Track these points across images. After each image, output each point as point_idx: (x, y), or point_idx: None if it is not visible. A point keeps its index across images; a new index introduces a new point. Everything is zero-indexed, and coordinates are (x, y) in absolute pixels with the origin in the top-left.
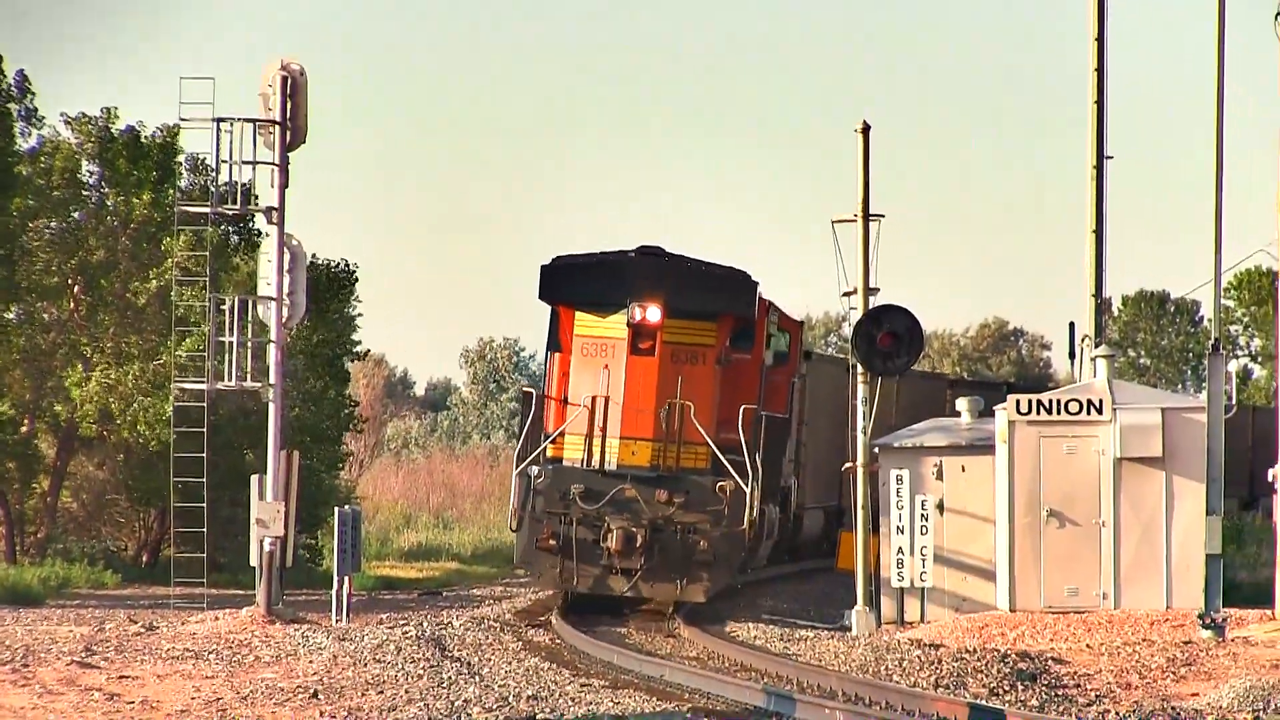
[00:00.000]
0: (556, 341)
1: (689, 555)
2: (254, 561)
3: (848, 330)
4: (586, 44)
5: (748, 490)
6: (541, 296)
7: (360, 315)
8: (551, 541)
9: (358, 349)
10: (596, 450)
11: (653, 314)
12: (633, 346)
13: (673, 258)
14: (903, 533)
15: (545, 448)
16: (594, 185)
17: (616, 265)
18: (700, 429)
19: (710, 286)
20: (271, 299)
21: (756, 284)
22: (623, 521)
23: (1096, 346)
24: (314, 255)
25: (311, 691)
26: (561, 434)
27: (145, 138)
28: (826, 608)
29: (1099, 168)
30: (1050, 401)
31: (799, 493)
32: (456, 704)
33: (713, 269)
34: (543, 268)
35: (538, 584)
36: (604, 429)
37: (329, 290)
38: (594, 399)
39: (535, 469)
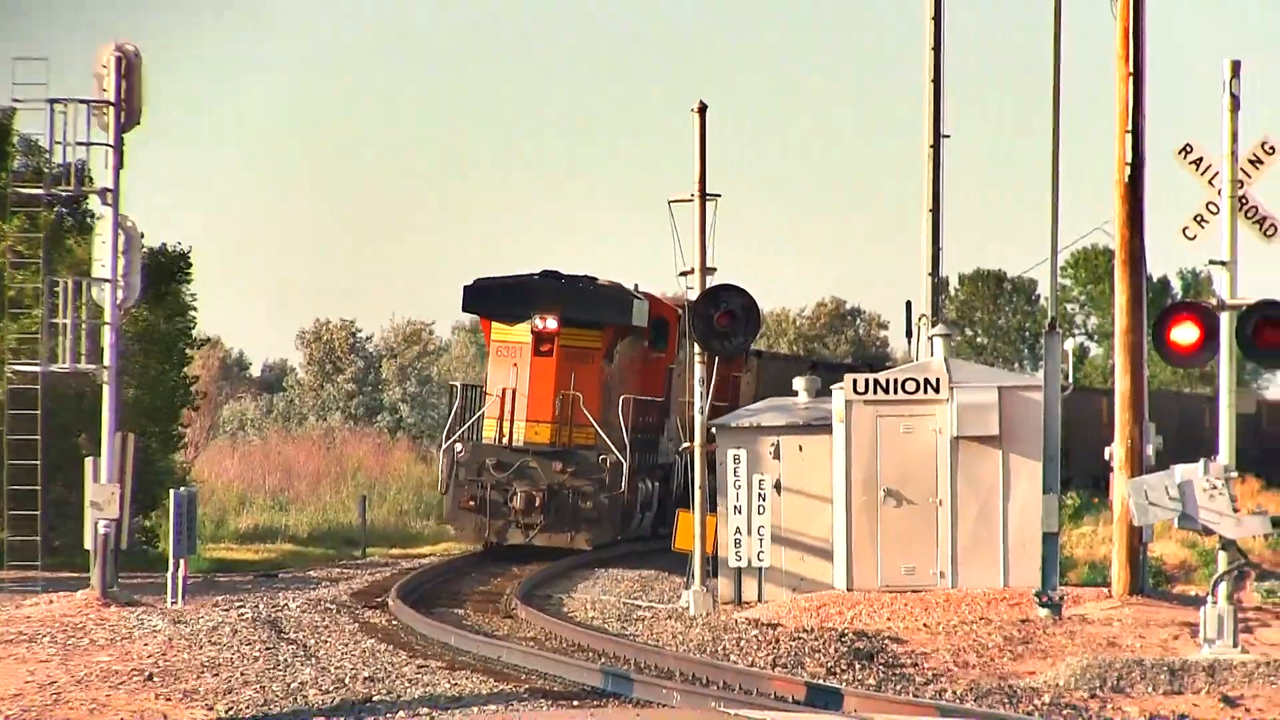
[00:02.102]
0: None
1: (577, 514)
2: (89, 544)
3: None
4: (424, 27)
5: (625, 462)
6: (465, 309)
7: (194, 296)
8: (470, 503)
9: (194, 335)
10: (507, 431)
11: (551, 324)
12: (535, 349)
13: (569, 279)
14: (740, 513)
15: (468, 428)
16: (432, 165)
17: (523, 285)
18: (588, 414)
19: (597, 301)
20: (106, 281)
21: (634, 298)
22: (525, 486)
23: (933, 325)
24: (146, 240)
25: (147, 674)
26: (481, 417)
27: None
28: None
29: (936, 147)
30: (887, 381)
31: (681, 470)
32: (293, 686)
33: (600, 288)
34: (466, 288)
35: (460, 537)
36: (512, 414)
37: (164, 272)
38: (505, 390)
39: (459, 445)
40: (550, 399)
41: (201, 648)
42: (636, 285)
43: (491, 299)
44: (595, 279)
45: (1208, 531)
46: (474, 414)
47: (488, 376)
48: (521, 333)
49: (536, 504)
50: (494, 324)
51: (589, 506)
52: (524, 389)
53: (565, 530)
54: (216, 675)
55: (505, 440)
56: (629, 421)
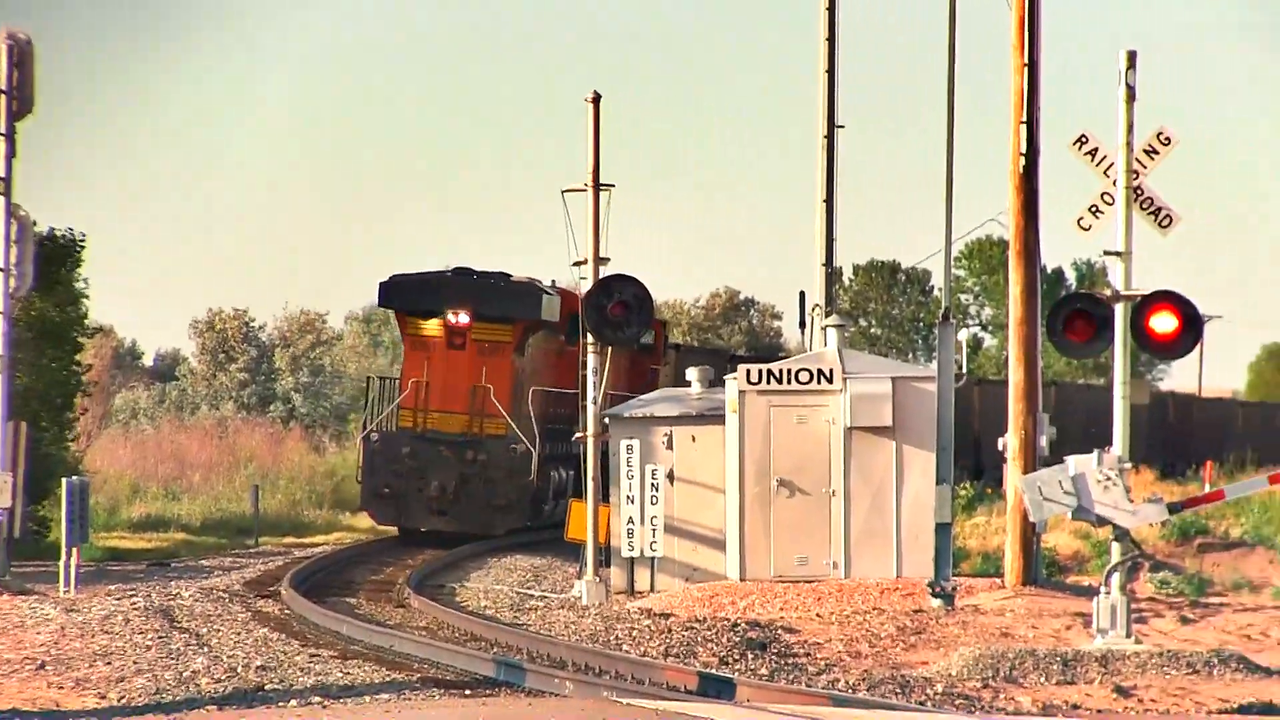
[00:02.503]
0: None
1: (488, 501)
2: None
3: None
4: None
5: (535, 451)
6: (381, 304)
7: (87, 282)
8: (386, 490)
9: (86, 324)
10: (421, 421)
11: (463, 318)
12: (448, 343)
13: (480, 275)
14: (633, 503)
15: (385, 418)
16: (325, 156)
17: (437, 281)
18: (499, 405)
19: (507, 297)
20: None
21: (545, 293)
22: (438, 474)
23: (827, 316)
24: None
25: (39, 663)
26: (396, 408)
27: None
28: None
29: (830, 137)
30: (780, 371)
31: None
32: (185, 675)
33: (511, 284)
34: (381, 283)
35: (377, 522)
36: (426, 404)
37: (54, 260)
38: (419, 382)
39: (375, 435)
40: (463, 390)
41: (94, 636)
42: (554, 282)
43: (406, 294)
44: (508, 275)
45: (1102, 523)
46: (390, 405)
47: (403, 369)
48: (435, 327)
49: (449, 491)
50: (409, 318)
51: (500, 494)
52: (437, 381)
53: (477, 517)
54: (109, 664)
55: (419, 430)
56: (539, 412)
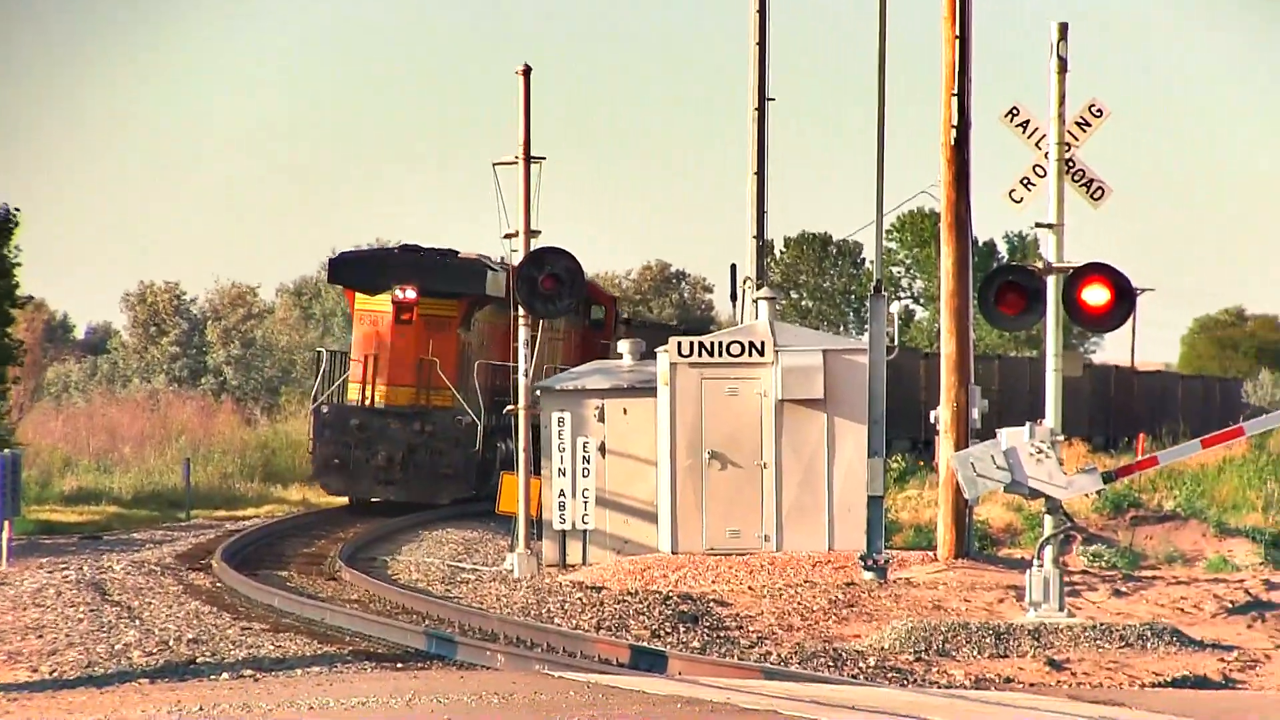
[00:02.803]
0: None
1: (435, 471)
2: None
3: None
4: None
5: (480, 423)
6: (330, 280)
7: (19, 252)
8: (336, 461)
9: (18, 298)
10: (369, 394)
11: (410, 294)
12: (396, 318)
13: (426, 252)
14: (564, 475)
15: (334, 390)
16: (256, 129)
17: (384, 258)
18: (445, 378)
19: (454, 273)
20: None
21: (489, 269)
22: (386, 446)
23: (758, 289)
24: None
25: None
26: (346, 380)
27: None
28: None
29: (760, 110)
30: (712, 344)
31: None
32: (117, 648)
33: (457, 260)
34: (331, 260)
35: (328, 492)
36: (374, 378)
37: None
38: (367, 356)
39: (325, 407)
40: (410, 364)
41: (26, 610)
42: (502, 259)
43: (355, 271)
44: (455, 252)
45: (1034, 495)
46: (339, 378)
47: (352, 343)
48: (383, 302)
49: (397, 462)
50: (357, 294)
51: (447, 464)
52: (385, 355)
53: (424, 487)
54: (41, 637)
55: (368, 402)
56: (486, 385)
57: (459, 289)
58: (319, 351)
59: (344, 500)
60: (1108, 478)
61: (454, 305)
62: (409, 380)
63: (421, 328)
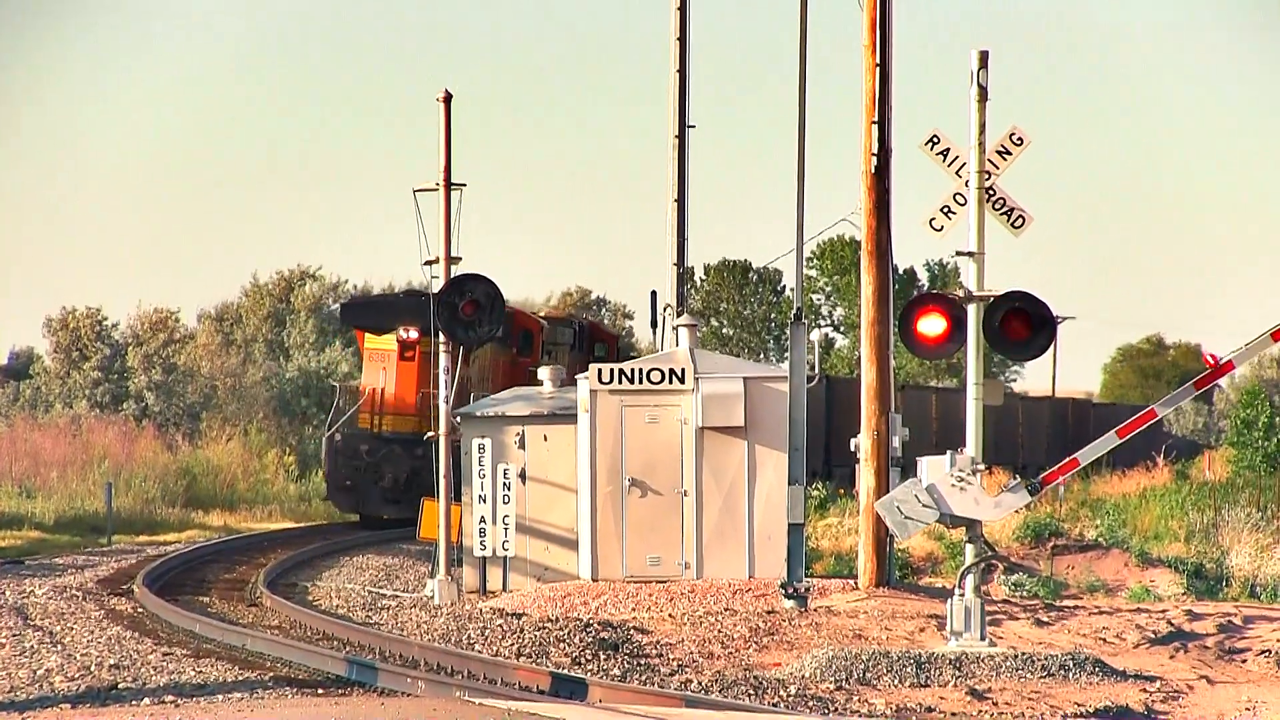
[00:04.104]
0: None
1: (435, 491)
2: None
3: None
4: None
5: None
6: (342, 323)
7: None
8: (347, 483)
9: None
10: (377, 422)
11: (413, 334)
12: (400, 355)
13: (428, 296)
14: (485, 501)
15: (346, 419)
16: (181, 155)
17: (390, 302)
18: None
19: None
20: None
21: None
22: (392, 469)
23: (678, 315)
24: None
25: None
26: (356, 411)
27: None
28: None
29: (681, 137)
30: (632, 371)
31: None
32: (39, 673)
33: None
34: (343, 305)
35: (341, 510)
36: (382, 408)
37: None
38: (375, 389)
39: (338, 435)
40: (413, 396)
41: None
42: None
43: (364, 314)
44: None
45: (956, 524)
46: (350, 409)
47: (362, 378)
48: (389, 341)
49: (401, 483)
50: (366, 335)
51: None
52: (391, 388)
53: None
54: None
55: (375, 430)
56: None
57: None
58: (334, 386)
59: (268, 526)
60: (1033, 489)
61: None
62: (412, 410)
63: (423, 363)
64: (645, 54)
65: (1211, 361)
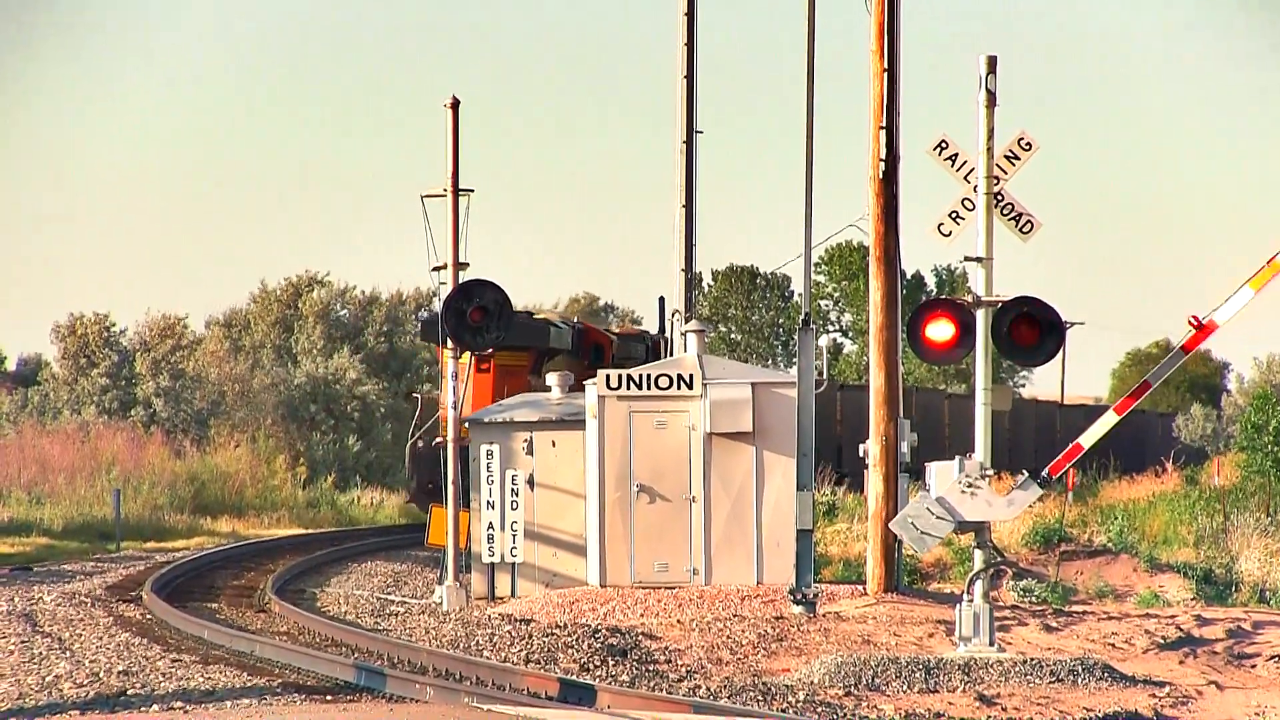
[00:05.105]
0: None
1: None
2: None
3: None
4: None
5: None
6: (422, 338)
7: None
8: (430, 486)
9: None
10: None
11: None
12: (476, 368)
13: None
14: (493, 508)
15: (427, 428)
16: (191, 161)
17: None
18: None
19: (523, 330)
20: None
21: (552, 327)
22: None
23: (687, 321)
24: None
25: None
26: (437, 420)
27: None
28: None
29: (689, 142)
30: (640, 376)
31: None
32: (48, 679)
33: (527, 320)
34: (424, 321)
35: (423, 513)
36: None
37: None
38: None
39: (420, 443)
40: (488, 404)
41: None
42: (577, 319)
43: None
44: (530, 313)
45: (965, 529)
46: (431, 418)
47: (441, 389)
48: (465, 355)
49: None
50: (445, 349)
51: None
52: (467, 398)
53: None
54: None
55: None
56: None
57: (528, 342)
58: (416, 397)
59: (276, 532)
60: (1043, 482)
61: (524, 356)
62: None
63: (497, 375)
64: (652, 60)
65: (1194, 323)
